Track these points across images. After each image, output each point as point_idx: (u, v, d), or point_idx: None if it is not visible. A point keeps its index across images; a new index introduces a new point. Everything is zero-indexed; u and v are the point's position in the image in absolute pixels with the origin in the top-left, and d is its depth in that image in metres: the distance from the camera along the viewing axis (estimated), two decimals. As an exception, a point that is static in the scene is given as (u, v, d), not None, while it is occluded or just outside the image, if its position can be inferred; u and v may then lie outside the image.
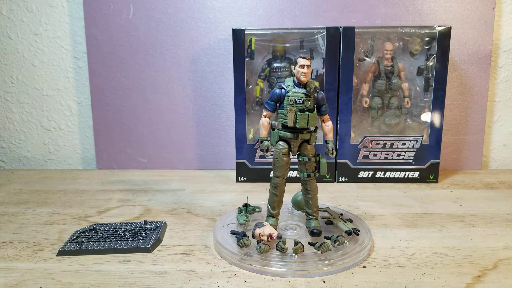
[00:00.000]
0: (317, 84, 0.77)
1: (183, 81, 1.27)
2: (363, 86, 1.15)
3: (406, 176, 1.15)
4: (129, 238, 0.78)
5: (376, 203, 0.99)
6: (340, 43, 1.09)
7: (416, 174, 1.14)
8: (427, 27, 1.10)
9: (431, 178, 1.15)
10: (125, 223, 0.85)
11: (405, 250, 0.74)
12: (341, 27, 1.09)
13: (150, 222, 0.85)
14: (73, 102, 1.35)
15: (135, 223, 0.85)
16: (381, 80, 1.13)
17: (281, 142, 0.77)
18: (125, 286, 0.64)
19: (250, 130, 1.17)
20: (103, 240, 0.77)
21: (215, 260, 0.71)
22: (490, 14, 1.19)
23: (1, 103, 1.36)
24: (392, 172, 1.15)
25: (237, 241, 0.71)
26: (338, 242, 0.71)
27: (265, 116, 0.77)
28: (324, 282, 0.64)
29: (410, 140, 1.13)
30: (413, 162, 1.14)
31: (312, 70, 1.12)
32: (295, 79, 0.75)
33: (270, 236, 0.70)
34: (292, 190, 0.92)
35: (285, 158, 0.76)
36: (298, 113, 0.73)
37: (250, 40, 1.12)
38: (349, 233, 0.76)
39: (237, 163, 1.16)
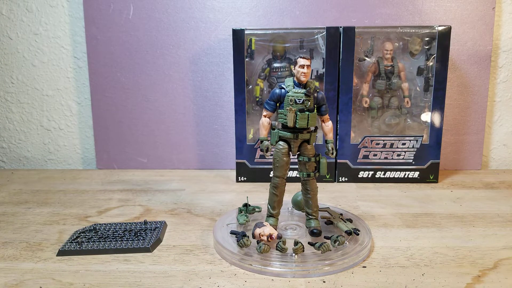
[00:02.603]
0: (317, 84, 0.77)
1: (183, 81, 1.27)
2: (363, 86, 1.15)
3: (406, 176, 1.15)
4: (129, 238, 0.78)
5: (376, 203, 0.99)
6: (340, 43, 1.09)
7: (416, 174, 1.14)
8: (427, 27, 1.10)
9: (431, 178, 1.15)
10: (125, 223, 0.85)
11: (405, 250, 0.74)
12: (341, 27, 1.09)
13: (150, 222, 0.85)
14: (73, 102, 1.35)
15: (135, 223, 0.85)
16: (381, 80, 1.13)
17: (281, 142, 0.77)
18: (125, 286, 0.64)
19: (250, 130, 1.17)
20: (103, 240, 0.77)
21: (215, 260, 0.71)
22: (490, 14, 1.19)
23: (1, 103, 1.36)
24: (392, 172, 1.15)
25: (237, 241, 0.71)
26: (338, 242, 0.71)
27: (265, 116, 0.77)
28: (324, 282, 0.64)
29: (410, 140, 1.13)
30: (413, 162, 1.14)
31: (312, 70, 1.12)
32: (295, 79, 0.75)
33: (270, 236, 0.70)
34: (292, 190, 0.92)
35: (285, 158, 0.76)
36: (298, 113, 0.73)
37: (250, 40, 1.12)
38: (349, 233, 0.76)
39: (237, 163, 1.16)
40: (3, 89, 1.35)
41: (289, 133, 0.76)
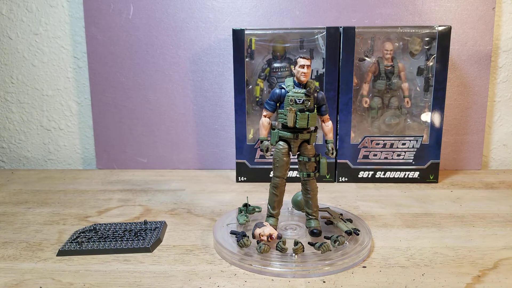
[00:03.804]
0: (317, 84, 0.77)
1: (183, 81, 1.27)
2: (363, 86, 1.15)
3: (406, 176, 1.15)
4: (129, 238, 0.78)
5: (376, 203, 0.99)
6: (340, 43, 1.09)
7: (416, 174, 1.14)
8: (427, 27, 1.10)
9: (431, 178, 1.15)
10: (125, 223, 0.85)
11: (405, 250, 0.74)
12: (341, 27, 1.09)
13: (150, 222, 0.85)
14: (73, 102, 1.35)
15: (135, 223, 0.85)
16: (381, 80, 1.13)
17: (281, 142, 0.77)
18: (125, 286, 0.64)
19: (250, 130, 1.17)
20: (103, 240, 0.77)
21: (215, 260, 0.71)
22: (490, 14, 1.19)
23: (1, 103, 1.36)
24: (392, 172, 1.15)
25: (237, 241, 0.71)
26: (338, 242, 0.71)
27: (265, 116, 0.77)
28: (324, 282, 0.64)
29: (410, 140, 1.13)
30: (413, 162, 1.14)
31: (312, 70, 1.12)
32: (295, 79, 0.75)
33: (270, 236, 0.70)
34: (292, 190, 0.92)
35: (285, 158, 0.76)
36: (298, 113, 0.73)
37: (250, 40, 1.12)
38: (349, 233, 0.76)
39: (237, 163, 1.16)
40: (3, 89, 1.35)
41: (289, 133, 0.76)
